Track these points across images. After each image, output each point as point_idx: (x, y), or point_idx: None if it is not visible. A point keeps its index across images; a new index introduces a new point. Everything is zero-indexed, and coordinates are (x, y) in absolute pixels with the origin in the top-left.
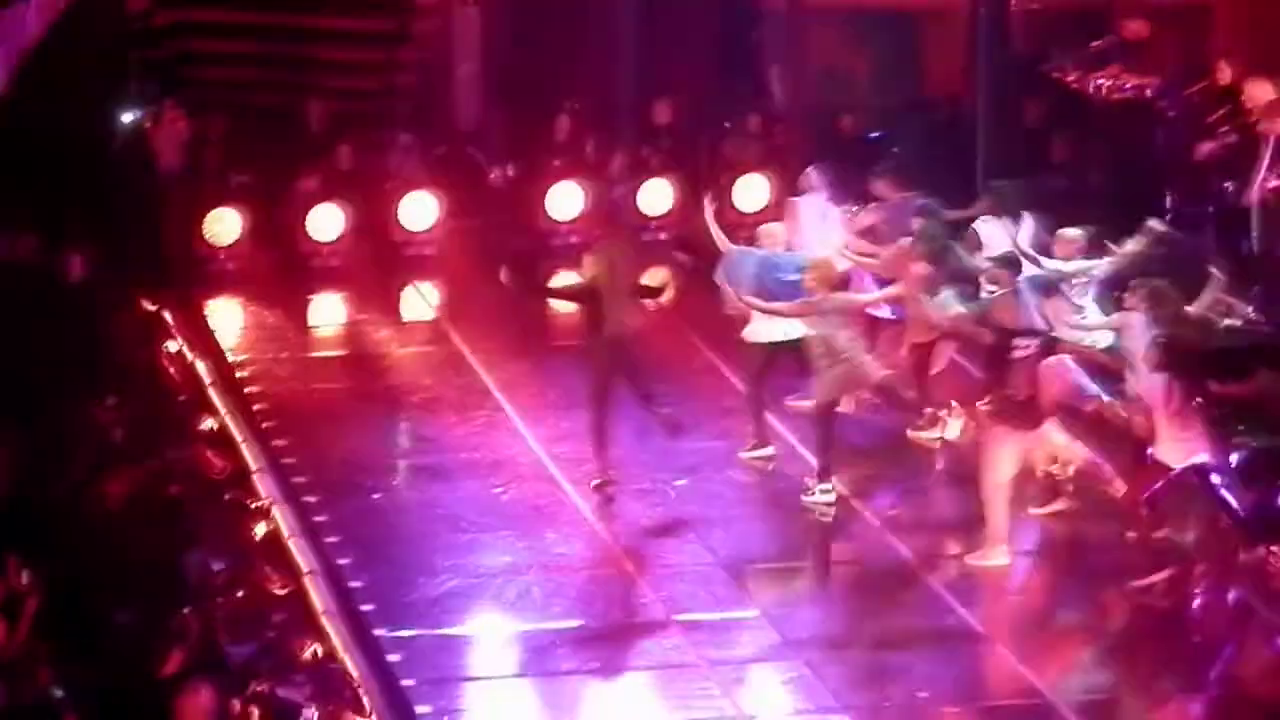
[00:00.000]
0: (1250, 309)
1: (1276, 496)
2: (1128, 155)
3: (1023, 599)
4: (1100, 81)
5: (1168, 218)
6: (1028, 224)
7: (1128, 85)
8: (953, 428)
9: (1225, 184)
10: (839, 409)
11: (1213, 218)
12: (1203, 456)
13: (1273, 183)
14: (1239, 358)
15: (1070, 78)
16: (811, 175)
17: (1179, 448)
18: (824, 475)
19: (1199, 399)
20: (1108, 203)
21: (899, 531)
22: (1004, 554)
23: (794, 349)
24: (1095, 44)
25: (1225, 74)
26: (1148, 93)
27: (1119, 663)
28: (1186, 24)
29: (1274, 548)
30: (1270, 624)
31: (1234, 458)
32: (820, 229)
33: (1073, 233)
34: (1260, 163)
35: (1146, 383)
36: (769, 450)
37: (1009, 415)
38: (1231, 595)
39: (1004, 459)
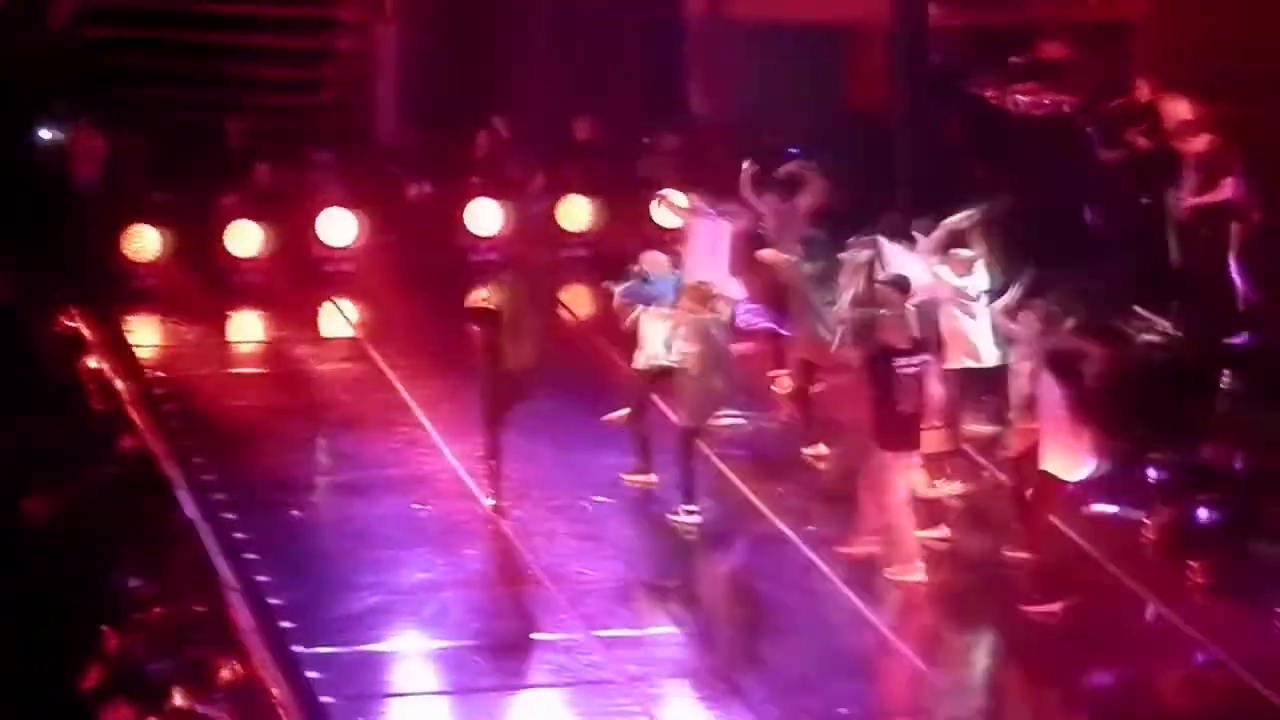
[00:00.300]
0: (1169, 325)
1: (1193, 511)
2: (1045, 171)
3: (941, 617)
4: (1019, 98)
5: (1087, 234)
6: (921, 246)
7: (1046, 101)
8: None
9: (1143, 200)
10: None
11: (1131, 234)
12: (1092, 465)
13: (1190, 200)
14: (1159, 373)
15: (989, 94)
16: (698, 198)
17: (1069, 458)
18: (688, 497)
19: (1088, 409)
20: (1025, 219)
21: (817, 547)
22: (920, 570)
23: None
24: (1014, 60)
25: (1144, 91)
26: (1066, 109)
27: (1036, 681)
28: (1106, 42)
29: (1192, 563)
30: (1189, 639)
31: (1152, 473)
32: (711, 249)
33: (964, 254)
34: (1178, 179)
35: (1037, 393)
36: (651, 477)
37: (892, 435)
38: (1149, 612)
39: (895, 479)
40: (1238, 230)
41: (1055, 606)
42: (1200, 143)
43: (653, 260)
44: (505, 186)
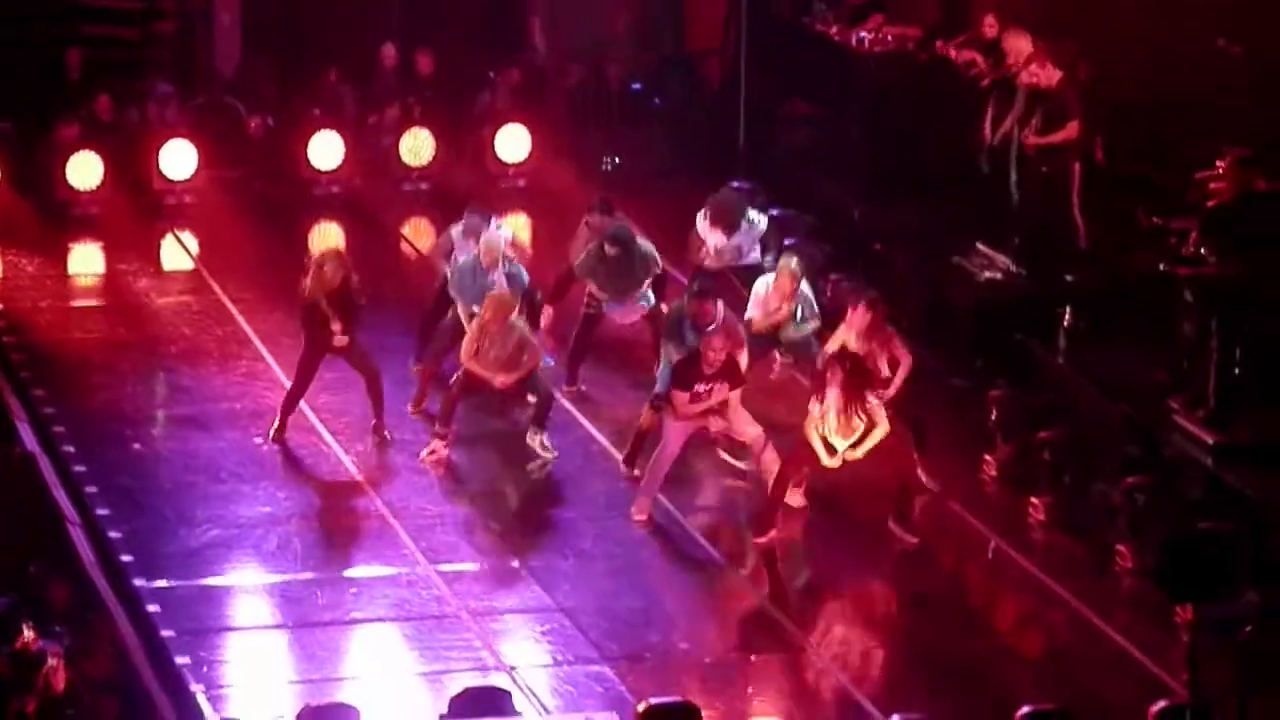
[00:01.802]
0: (1010, 262)
1: (1034, 448)
2: (888, 108)
3: (784, 551)
4: (862, 34)
5: (928, 170)
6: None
7: (889, 37)
8: None
9: (986, 135)
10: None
11: (972, 170)
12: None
13: (1033, 138)
14: (1000, 311)
15: (832, 30)
16: (471, 219)
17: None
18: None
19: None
20: (867, 157)
21: (661, 485)
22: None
23: None
24: None
25: (993, 27)
26: (909, 45)
27: (874, 614)
28: None
29: (1034, 499)
30: (1028, 575)
31: (992, 410)
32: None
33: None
34: (1020, 116)
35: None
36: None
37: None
38: (990, 547)
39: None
40: (1079, 171)
41: (913, 540)
42: (1047, 79)
43: (489, 247)
44: (352, 119)
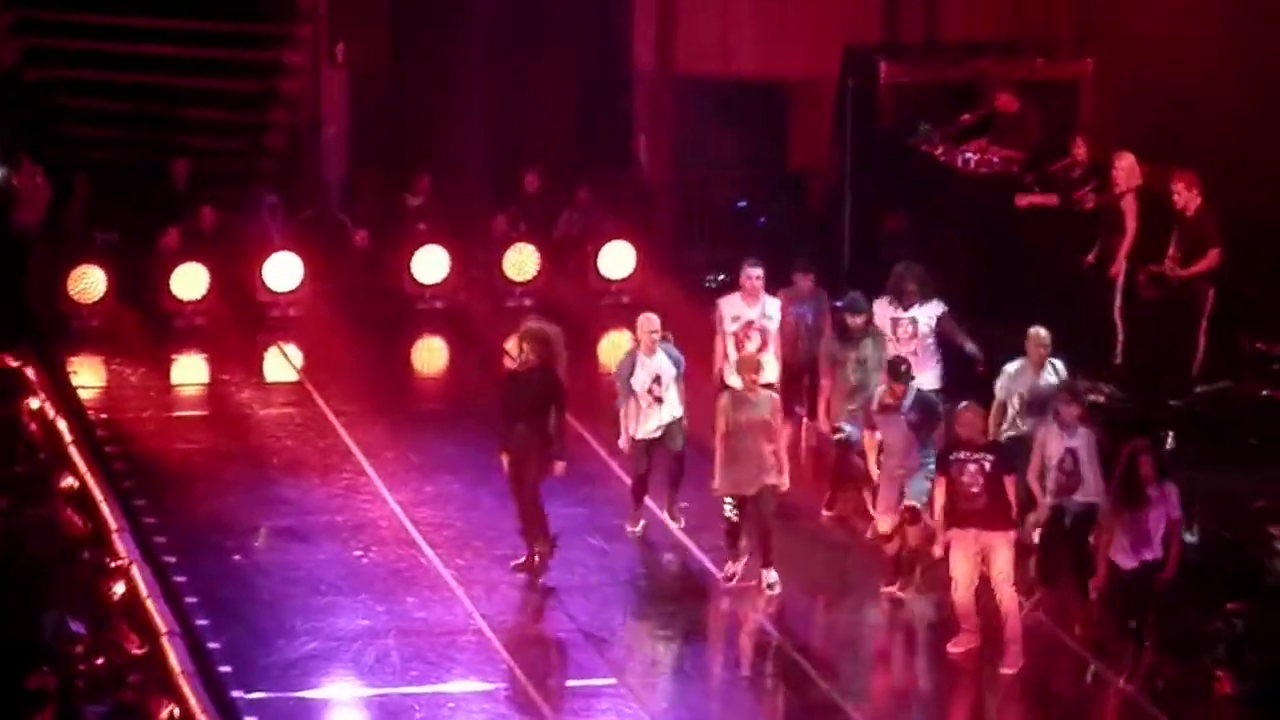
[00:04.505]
0: (1113, 386)
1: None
2: (992, 229)
3: (890, 675)
4: (967, 155)
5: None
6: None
7: (995, 160)
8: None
9: (1088, 258)
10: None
11: (1075, 290)
12: None
13: (1175, 270)
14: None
15: (938, 151)
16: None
17: None
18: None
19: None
20: (970, 277)
21: (760, 602)
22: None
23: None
24: (963, 118)
25: (1081, 150)
26: (1014, 168)
27: None
28: (1053, 99)
29: (1134, 622)
30: (1127, 698)
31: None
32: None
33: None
34: (1124, 236)
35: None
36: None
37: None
38: (1089, 672)
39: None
40: (1213, 295)
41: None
42: (1188, 204)
43: (647, 323)
44: (461, 233)
